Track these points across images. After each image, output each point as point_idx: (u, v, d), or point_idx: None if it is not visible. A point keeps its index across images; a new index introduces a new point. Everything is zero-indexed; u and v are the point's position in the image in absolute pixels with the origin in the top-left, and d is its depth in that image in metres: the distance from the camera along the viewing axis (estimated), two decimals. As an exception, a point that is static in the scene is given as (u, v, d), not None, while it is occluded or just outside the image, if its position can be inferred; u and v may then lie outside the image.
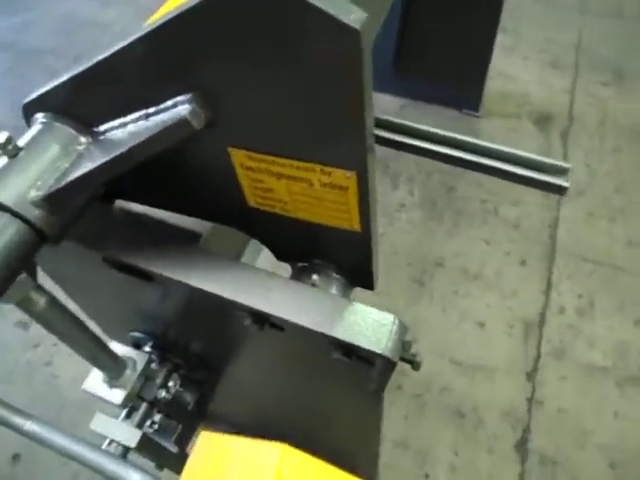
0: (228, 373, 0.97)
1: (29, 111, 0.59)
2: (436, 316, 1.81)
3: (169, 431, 1.04)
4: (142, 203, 0.71)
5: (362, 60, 0.38)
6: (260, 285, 0.61)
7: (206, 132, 0.49)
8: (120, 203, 0.75)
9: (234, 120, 0.47)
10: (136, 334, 0.93)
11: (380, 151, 2.20)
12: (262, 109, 0.46)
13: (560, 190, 0.76)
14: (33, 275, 0.58)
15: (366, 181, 0.48)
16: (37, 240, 0.54)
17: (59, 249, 0.64)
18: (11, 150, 0.54)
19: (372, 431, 0.82)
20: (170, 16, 0.40)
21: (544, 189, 0.80)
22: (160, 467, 1.05)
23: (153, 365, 0.93)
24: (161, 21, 0.41)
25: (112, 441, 0.85)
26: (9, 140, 0.54)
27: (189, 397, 1.06)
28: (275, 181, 0.52)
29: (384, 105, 2.44)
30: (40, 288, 0.61)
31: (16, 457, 1.46)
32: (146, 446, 0.90)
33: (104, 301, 0.91)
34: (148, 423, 0.96)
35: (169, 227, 0.72)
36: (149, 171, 0.62)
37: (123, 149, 0.50)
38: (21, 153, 0.55)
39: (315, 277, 0.63)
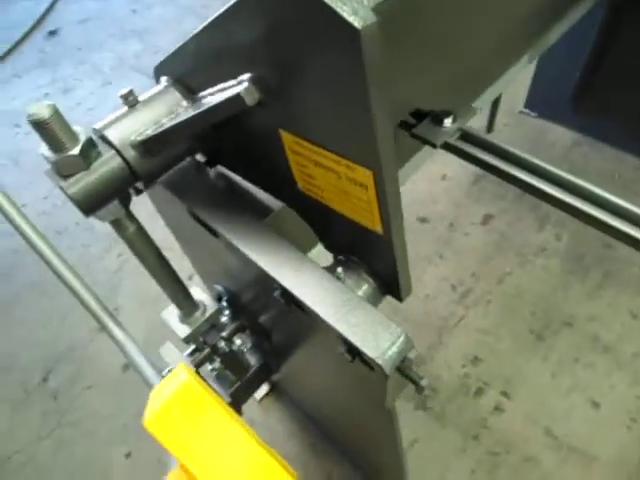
0: (280, 349, 1.04)
1: (157, 73, 0.72)
2: (544, 378, 1.61)
3: (227, 383, 1.15)
4: (232, 171, 0.81)
5: (363, 61, 0.39)
6: (294, 266, 0.65)
7: (262, 111, 0.55)
8: (221, 169, 0.86)
9: (281, 105, 0.52)
10: (218, 287, 1.05)
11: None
12: (301, 99, 0.49)
13: None
14: (125, 203, 0.71)
15: (383, 183, 0.48)
16: (130, 175, 0.67)
17: (164, 194, 0.77)
18: (131, 101, 0.68)
19: (388, 440, 0.80)
20: (226, 6, 0.47)
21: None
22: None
23: (224, 319, 1.04)
24: (223, 9, 0.48)
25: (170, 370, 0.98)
26: (130, 93, 0.67)
27: (248, 359, 1.16)
28: (314, 168, 0.55)
29: (554, 138, 2.23)
30: (131, 216, 0.74)
31: (126, 367, 1.76)
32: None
33: (195, 250, 1.04)
34: (209, 367, 1.08)
35: (249, 197, 0.80)
36: (231, 142, 0.70)
37: (199, 111, 0.59)
38: (137, 105, 0.68)
39: (340, 270, 0.64)
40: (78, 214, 0.68)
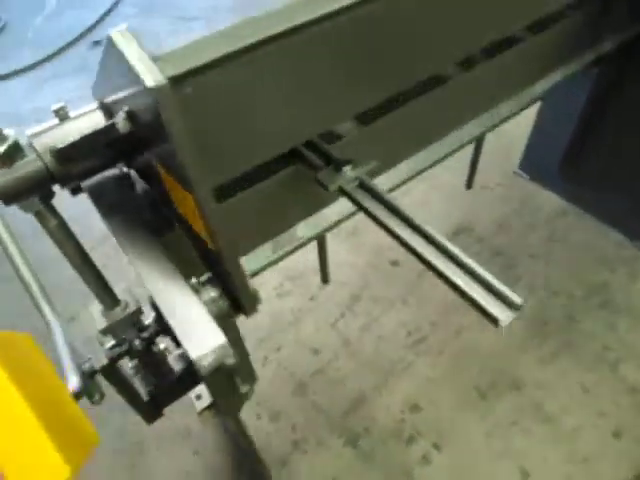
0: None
1: (93, 93, 0.83)
2: (478, 437, 1.60)
3: (147, 381, 1.22)
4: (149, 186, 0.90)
5: (161, 118, 0.47)
6: (164, 281, 0.73)
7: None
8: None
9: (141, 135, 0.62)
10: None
11: (511, 250, 2.04)
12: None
13: (494, 321, 0.66)
14: (45, 200, 0.82)
15: (200, 204, 0.56)
16: (47, 177, 0.77)
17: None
18: (62, 115, 0.79)
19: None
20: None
21: (483, 314, 0.72)
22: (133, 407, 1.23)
23: (148, 320, 1.12)
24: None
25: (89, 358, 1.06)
26: (62, 108, 0.78)
27: (172, 364, 1.22)
28: (178, 191, 0.64)
29: (542, 203, 2.25)
30: (53, 211, 0.85)
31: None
32: (113, 378, 1.08)
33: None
34: (130, 364, 1.16)
35: (159, 212, 0.89)
36: (136, 159, 0.80)
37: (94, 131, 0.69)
38: (67, 120, 0.79)
39: (200, 287, 0.72)
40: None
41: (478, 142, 1.69)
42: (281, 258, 1.01)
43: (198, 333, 0.65)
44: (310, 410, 1.71)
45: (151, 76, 0.46)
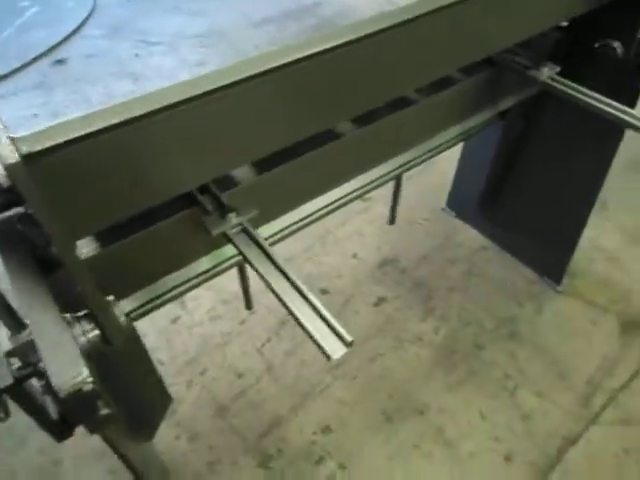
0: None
1: None
2: (380, 459, 1.71)
3: (56, 400, 1.29)
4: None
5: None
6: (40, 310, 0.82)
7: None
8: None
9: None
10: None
11: (431, 282, 2.19)
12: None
13: (326, 355, 0.78)
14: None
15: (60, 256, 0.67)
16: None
17: None
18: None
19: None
20: None
21: (319, 348, 0.83)
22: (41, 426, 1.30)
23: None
24: None
25: (-6, 379, 1.14)
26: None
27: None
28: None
29: (464, 239, 2.43)
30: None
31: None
32: (18, 397, 1.15)
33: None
34: (38, 384, 1.23)
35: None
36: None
37: None
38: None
39: (69, 315, 0.82)
40: None
41: (397, 181, 1.82)
42: (170, 300, 1.11)
43: (62, 361, 0.74)
44: (228, 432, 1.79)
45: (4, 155, 0.57)
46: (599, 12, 1.39)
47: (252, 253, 0.93)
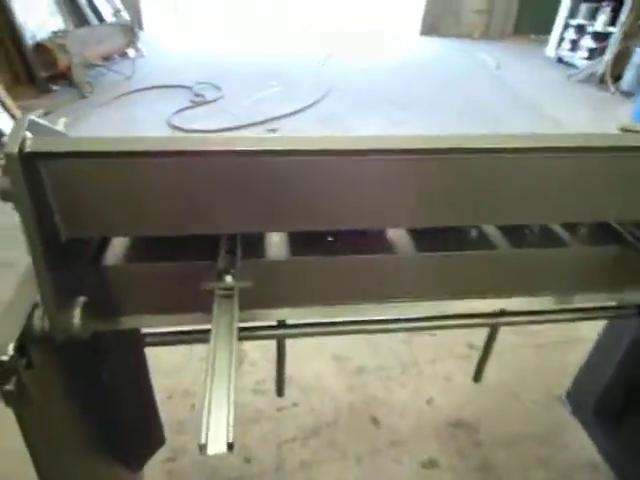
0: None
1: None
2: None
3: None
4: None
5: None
6: None
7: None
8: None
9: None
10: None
11: (507, 476, 1.75)
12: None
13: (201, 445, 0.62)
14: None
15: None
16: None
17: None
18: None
19: None
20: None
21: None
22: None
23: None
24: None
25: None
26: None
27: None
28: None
29: (573, 444, 1.91)
30: None
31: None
32: None
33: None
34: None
35: None
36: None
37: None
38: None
39: None
40: None
41: (492, 333, 1.56)
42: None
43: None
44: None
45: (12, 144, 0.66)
46: None
47: (221, 321, 0.87)
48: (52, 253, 0.79)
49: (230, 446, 0.66)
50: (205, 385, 0.75)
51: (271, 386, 2.09)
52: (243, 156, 0.80)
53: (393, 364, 2.24)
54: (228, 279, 0.94)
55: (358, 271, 1.07)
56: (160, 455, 1.77)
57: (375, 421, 1.97)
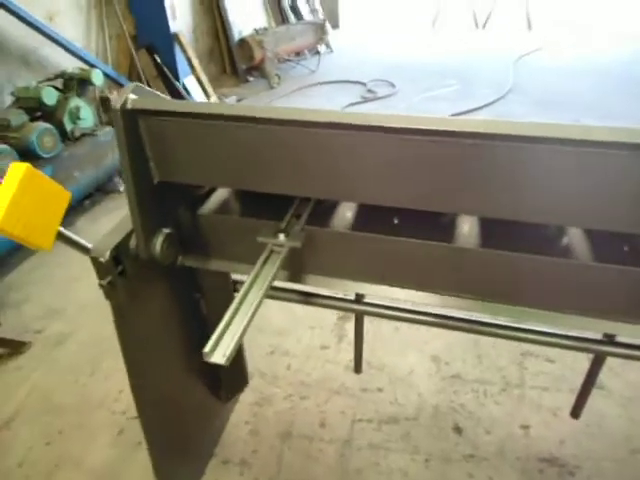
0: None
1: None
2: None
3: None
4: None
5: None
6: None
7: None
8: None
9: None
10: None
11: None
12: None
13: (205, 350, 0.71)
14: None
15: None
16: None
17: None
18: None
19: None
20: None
21: None
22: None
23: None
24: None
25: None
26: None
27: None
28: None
29: None
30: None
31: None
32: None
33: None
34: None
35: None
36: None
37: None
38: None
39: None
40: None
41: (596, 364, 1.41)
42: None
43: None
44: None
45: (116, 102, 0.87)
46: None
47: (264, 269, 0.98)
48: (145, 191, 1.00)
49: (228, 360, 0.78)
50: (228, 311, 0.87)
51: (363, 367, 2.16)
52: (309, 127, 0.87)
53: (495, 380, 2.10)
54: (281, 237, 1.04)
55: (415, 257, 1.07)
56: (250, 398, 1.99)
57: (457, 429, 1.89)
